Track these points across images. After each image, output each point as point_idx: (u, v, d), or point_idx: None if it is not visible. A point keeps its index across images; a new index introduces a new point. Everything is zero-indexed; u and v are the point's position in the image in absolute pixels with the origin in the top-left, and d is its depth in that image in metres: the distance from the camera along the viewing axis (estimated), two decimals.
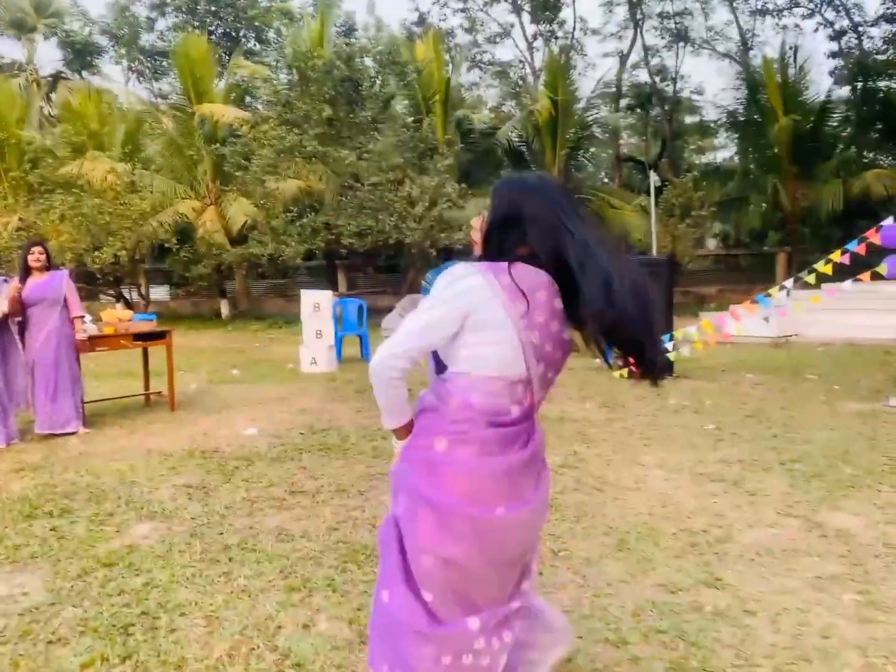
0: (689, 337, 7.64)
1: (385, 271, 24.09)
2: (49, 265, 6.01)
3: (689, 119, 33.33)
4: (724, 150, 34.06)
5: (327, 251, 20.53)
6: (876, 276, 6.52)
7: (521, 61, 32.88)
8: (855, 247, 6.55)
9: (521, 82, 28.84)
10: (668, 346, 7.66)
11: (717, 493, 4.07)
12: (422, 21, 29.51)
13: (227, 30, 29.55)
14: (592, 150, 25.41)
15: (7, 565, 3.29)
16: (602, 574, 3.05)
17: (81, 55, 30.23)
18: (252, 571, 3.14)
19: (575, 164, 22.71)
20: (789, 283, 7.01)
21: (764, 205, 21.96)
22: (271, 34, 29.44)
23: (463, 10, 29.98)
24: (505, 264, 1.67)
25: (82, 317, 6.04)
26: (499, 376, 1.69)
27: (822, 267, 6.73)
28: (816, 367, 8.72)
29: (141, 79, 32.20)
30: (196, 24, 28.64)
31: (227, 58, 27.15)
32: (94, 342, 6.30)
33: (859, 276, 6.57)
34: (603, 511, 3.81)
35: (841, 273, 6.81)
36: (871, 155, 24.37)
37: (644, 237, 18.00)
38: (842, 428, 5.52)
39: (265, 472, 4.66)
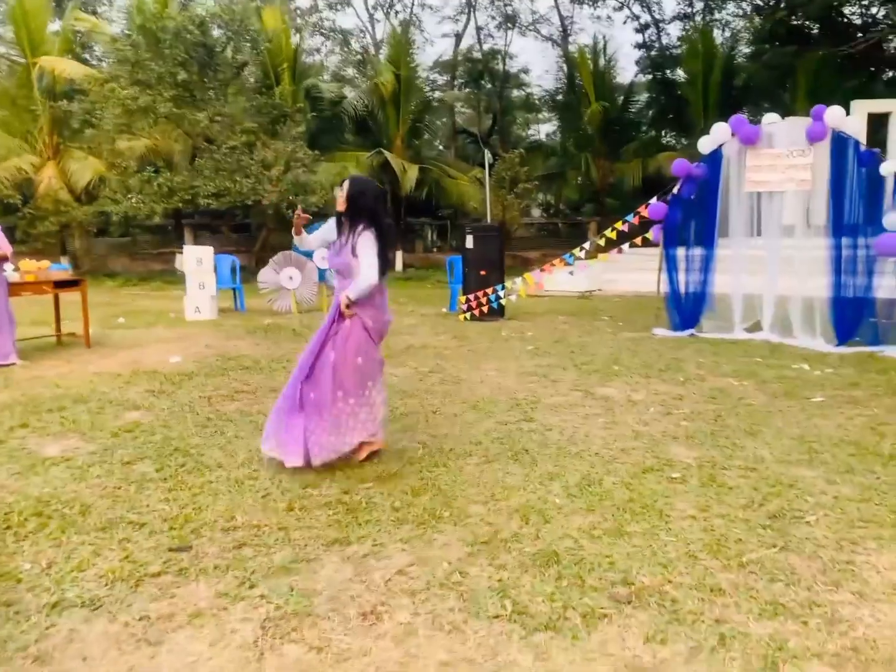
0: (515, 288, 9.78)
1: (235, 230, 24.67)
2: None
3: (516, 96, 36.14)
4: (548, 125, 37.14)
5: (174, 211, 20.91)
6: (646, 241, 8.93)
7: (361, 30, 33.97)
8: (631, 218, 8.93)
9: (364, 52, 30.00)
10: (501, 293, 9.76)
11: (532, 381, 6.12)
12: None
13: None
14: (434, 121, 27.21)
15: (46, 437, 4.58)
16: (463, 419, 4.93)
17: None
18: (235, 430, 4.70)
19: (417, 134, 24.46)
20: (587, 245, 9.31)
21: (579, 179, 25.04)
22: None
23: None
24: None
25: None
26: None
27: (609, 233, 9.06)
28: (609, 312, 11.28)
29: None
30: None
31: (55, 5, 25.95)
32: (19, 287, 7.26)
33: (635, 241, 8.96)
34: (460, 393, 5.71)
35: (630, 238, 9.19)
36: (667, 138, 28.27)
37: (480, 206, 20.27)
38: (617, 346, 7.85)
39: (206, 382, 6.11)
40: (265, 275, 11.16)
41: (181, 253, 22.59)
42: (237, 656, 2.20)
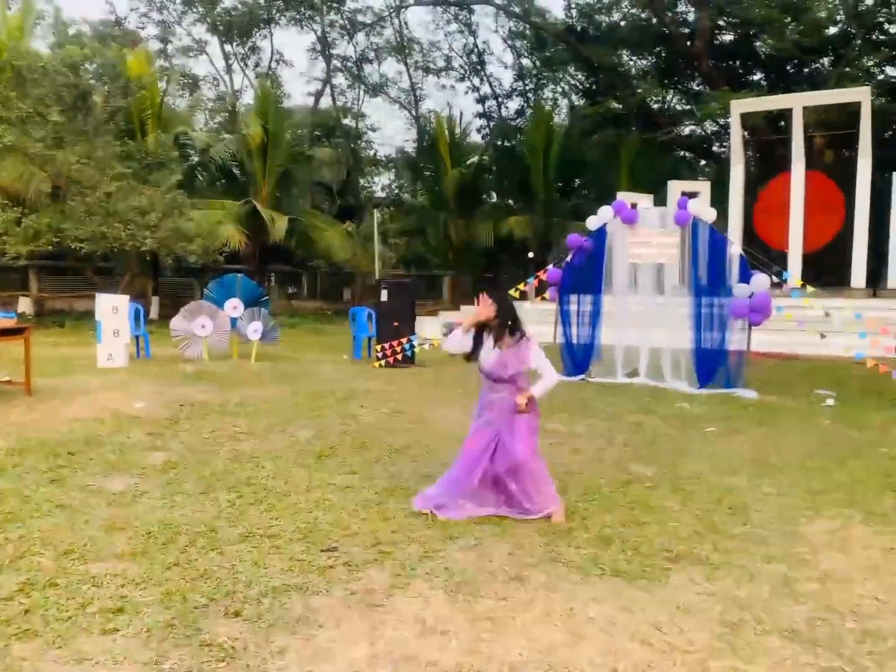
0: (428, 338, 10.89)
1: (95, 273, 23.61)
2: None
3: (366, 153, 37.75)
4: (401, 180, 38.93)
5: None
6: (544, 300, 10.46)
7: (214, 79, 34.12)
8: (532, 280, 10.44)
9: (226, 102, 30.22)
10: (415, 342, 10.84)
11: None
12: (118, 23, 29.18)
13: None
14: (298, 173, 27.91)
15: (94, 476, 4.97)
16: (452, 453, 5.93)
17: None
18: (272, 464, 5.35)
19: (283, 186, 25.06)
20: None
21: (437, 236, 26.88)
22: None
23: (162, 22, 30.35)
24: None
25: None
26: None
27: (513, 293, 10.48)
28: None
29: None
30: None
31: None
32: None
33: (535, 300, 10.46)
34: (432, 429, 6.68)
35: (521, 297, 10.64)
36: (510, 202, 31.02)
37: (352, 258, 21.31)
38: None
39: (197, 426, 6.58)
40: (177, 323, 11.41)
41: (26, 296, 21.58)
42: (457, 608, 3.09)
